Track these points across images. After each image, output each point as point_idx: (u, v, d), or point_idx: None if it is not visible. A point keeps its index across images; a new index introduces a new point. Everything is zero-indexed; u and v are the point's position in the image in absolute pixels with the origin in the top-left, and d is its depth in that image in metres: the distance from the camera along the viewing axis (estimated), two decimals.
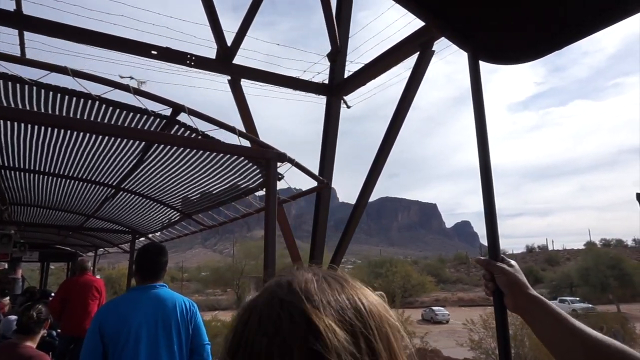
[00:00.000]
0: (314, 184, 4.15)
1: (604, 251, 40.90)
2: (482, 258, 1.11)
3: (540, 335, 0.95)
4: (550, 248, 74.49)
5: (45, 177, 4.97)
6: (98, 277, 7.54)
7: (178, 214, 5.76)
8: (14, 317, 5.43)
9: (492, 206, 1.11)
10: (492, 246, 1.10)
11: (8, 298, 7.65)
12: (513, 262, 1.07)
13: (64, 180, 5.10)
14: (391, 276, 27.97)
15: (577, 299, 33.32)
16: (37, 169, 4.66)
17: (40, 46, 4.72)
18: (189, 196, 5.06)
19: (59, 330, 6.17)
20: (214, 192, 4.70)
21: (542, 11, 1.02)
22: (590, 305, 29.51)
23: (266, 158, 3.26)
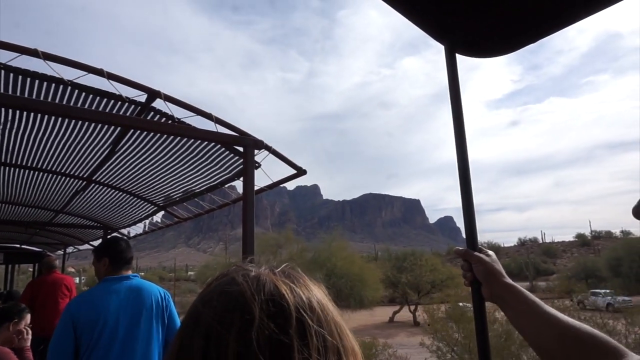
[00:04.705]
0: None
1: (637, 240, 35.28)
2: (461, 248, 1.12)
3: (515, 322, 0.96)
4: (541, 241, 73.98)
5: (9, 168, 4.73)
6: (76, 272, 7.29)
7: (153, 206, 5.59)
8: None
9: (470, 198, 1.14)
10: (470, 237, 1.12)
11: None
12: (490, 252, 1.08)
13: (30, 172, 4.86)
14: (417, 270, 25.59)
15: (609, 291, 29.34)
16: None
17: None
18: (164, 188, 4.91)
19: None
20: (190, 182, 4.57)
21: (517, 4, 1.04)
22: (627, 298, 26.23)
23: (243, 145, 3.17)
